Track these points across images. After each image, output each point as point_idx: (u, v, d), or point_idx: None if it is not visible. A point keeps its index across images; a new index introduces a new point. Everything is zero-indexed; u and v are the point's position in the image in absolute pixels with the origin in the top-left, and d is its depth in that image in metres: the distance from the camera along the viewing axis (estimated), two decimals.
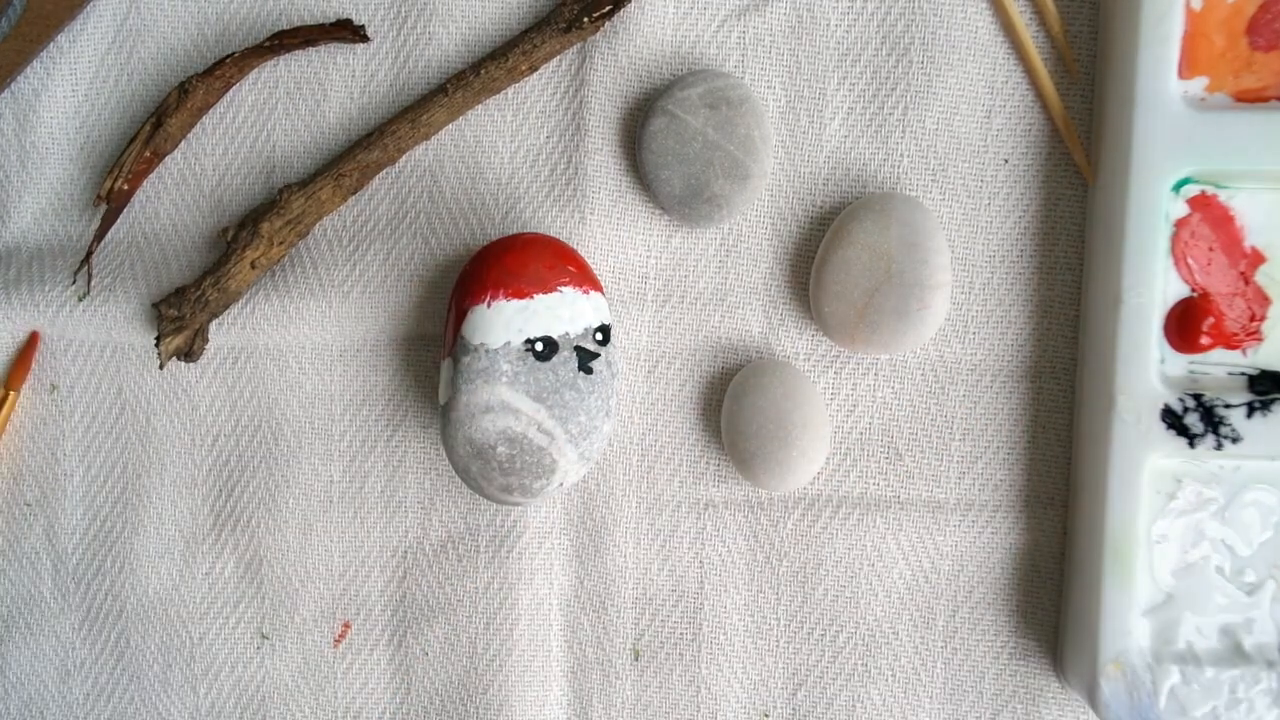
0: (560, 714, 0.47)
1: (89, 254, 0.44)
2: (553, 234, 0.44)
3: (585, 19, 0.42)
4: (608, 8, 0.42)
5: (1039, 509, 0.45)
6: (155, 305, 0.42)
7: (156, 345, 0.42)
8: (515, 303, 0.40)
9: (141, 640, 0.47)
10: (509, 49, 0.43)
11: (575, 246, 0.44)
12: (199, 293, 0.42)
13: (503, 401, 0.40)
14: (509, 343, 0.40)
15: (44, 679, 0.47)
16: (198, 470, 0.46)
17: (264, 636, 0.47)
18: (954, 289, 0.44)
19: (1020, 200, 0.44)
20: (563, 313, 0.40)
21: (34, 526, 0.47)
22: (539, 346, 0.40)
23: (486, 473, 0.40)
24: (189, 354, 0.42)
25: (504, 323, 0.40)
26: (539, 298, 0.40)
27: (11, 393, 0.46)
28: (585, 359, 0.40)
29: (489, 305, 0.40)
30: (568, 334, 0.40)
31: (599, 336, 0.41)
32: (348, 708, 0.47)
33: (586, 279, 0.41)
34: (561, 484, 0.41)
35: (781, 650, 0.46)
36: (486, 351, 0.40)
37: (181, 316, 0.42)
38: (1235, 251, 0.42)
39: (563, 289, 0.40)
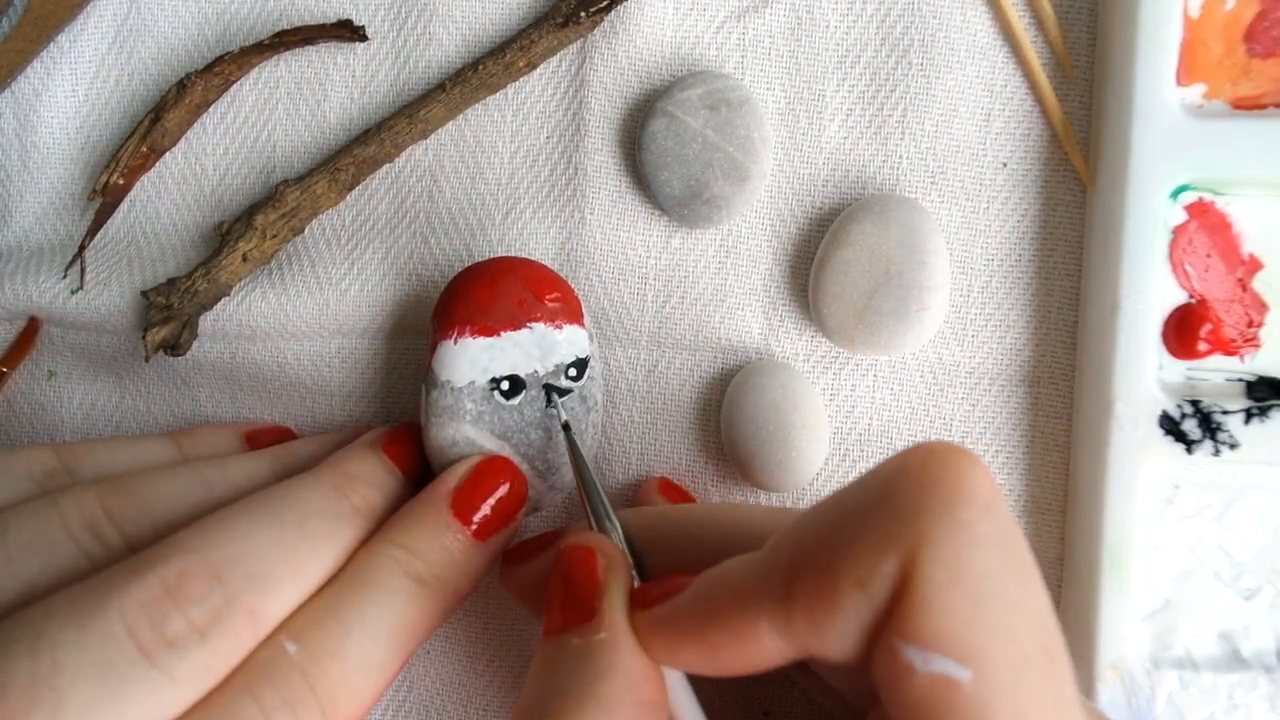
0: None
1: (82, 248, 0.44)
2: (552, 234, 0.45)
3: (583, 14, 0.43)
4: (605, 3, 0.43)
5: (1037, 514, 0.45)
6: (144, 293, 0.42)
7: (142, 336, 0.42)
8: (482, 340, 0.39)
9: None
10: (506, 45, 0.43)
11: (574, 247, 0.44)
12: (189, 283, 0.42)
13: (467, 438, 0.39)
14: (474, 381, 0.39)
15: None
16: None
17: None
18: (953, 292, 0.44)
19: (1019, 204, 0.44)
20: (532, 350, 0.39)
21: None
22: (504, 386, 0.39)
23: None
24: (175, 347, 0.42)
25: (469, 361, 0.39)
26: (507, 335, 0.39)
27: (4, 370, 0.46)
28: (553, 397, 0.40)
29: (455, 342, 0.39)
30: (536, 372, 0.40)
31: (572, 372, 0.40)
32: None
33: (563, 313, 0.40)
34: (538, 509, 0.41)
35: None
36: (452, 389, 0.39)
37: (170, 306, 0.42)
38: (1233, 258, 0.42)
39: (533, 325, 0.39)
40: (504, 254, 0.45)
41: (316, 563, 0.34)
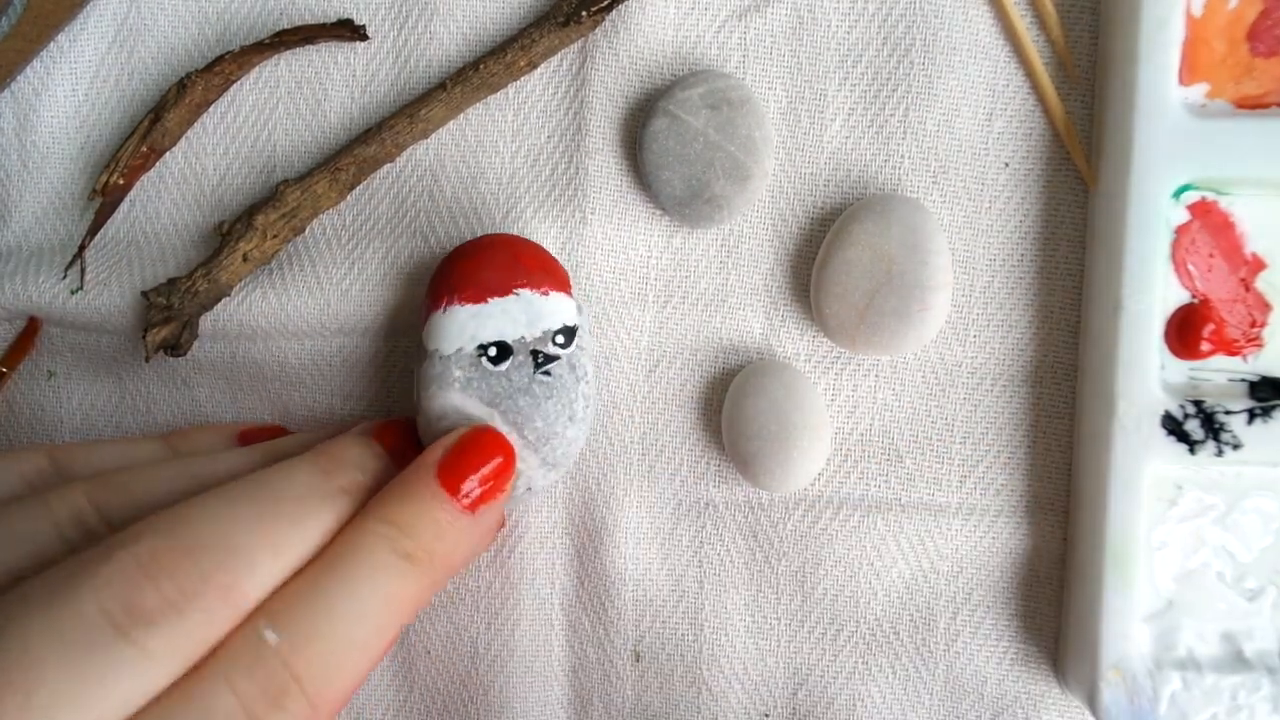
0: (561, 714, 0.47)
1: (82, 248, 0.44)
2: (553, 234, 0.45)
3: (584, 13, 0.42)
4: (606, 2, 0.42)
5: (1039, 514, 0.45)
6: (144, 294, 0.42)
7: (143, 336, 0.42)
8: (469, 308, 0.39)
9: None
10: (508, 45, 0.43)
11: (575, 246, 0.44)
12: (190, 283, 0.42)
13: (455, 408, 0.39)
14: (461, 349, 0.39)
15: None
16: None
17: None
18: (954, 291, 0.44)
19: (1021, 204, 0.44)
20: (519, 316, 0.39)
21: None
22: (491, 351, 0.39)
23: None
24: (175, 347, 0.42)
25: (458, 328, 0.39)
26: (494, 301, 0.39)
27: (3, 370, 0.46)
28: (542, 362, 0.40)
29: (444, 311, 0.39)
30: (523, 338, 0.39)
31: (559, 339, 0.40)
32: (350, 704, 0.47)
33: (549, 280, 0.40)
34: (530, 488, 0.41)
35: (781, 650, 0.46)
36: (440, 358, 0.39)
37: (170, 306, 0.42)
38: (1236, 258, 0.42)
39: (520, 291, 0.40)
40: None
41: (297, 539, 0.33)
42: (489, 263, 0.40)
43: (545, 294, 0.40)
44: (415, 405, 0.40)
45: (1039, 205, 0.44)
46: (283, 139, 0.46)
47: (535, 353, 0.40)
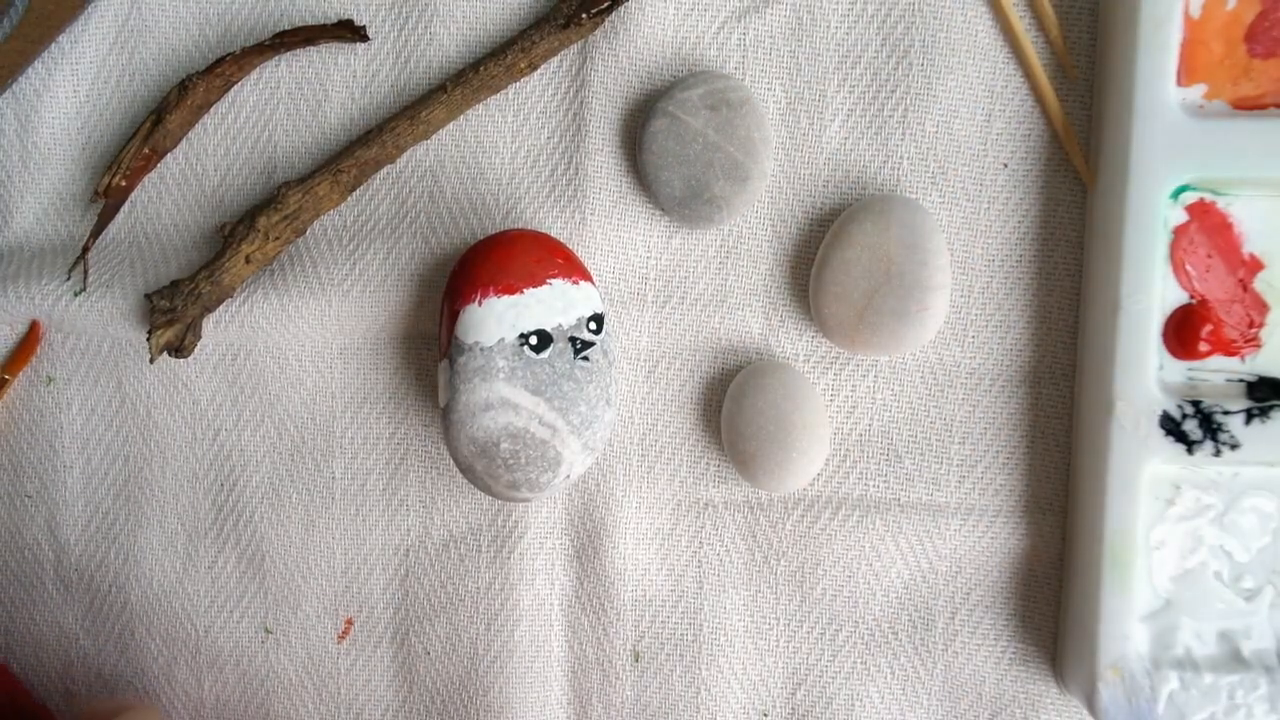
0: (560, 714, 0.47)
1: (85, 250, 0.44)
2: (553, 234, 0.45)
3: (584, 15, 0.43)
4: (606, 4, 0.43)
5: (1038, 514, 0.45)
6: (148, 296, 0.42)
7: (148, 338, 0.42)
8: (506, 298, 0.40)
9: (145, 632, 0.47)
10: (508, 46, 0.43)
11: (575, 247, 0.44)
12: (192, 286, 0.43)
13: (501, 398, 0.40)
14: (503, 339, 0.40)
15: (47, 672, 0.48)
16: (199, 464, 0.47)
17: (268, 631, 0.47)
18: (953, 292, 0.44)
19: (1019, 204, 0.44)
20: (554, 304, 0.40)
21: (35, 518, 0.47)
22: (533, 340, 0.40)
23: (492, 470, 0.40)
24: (179, 349, 0.43)
25: (496, 319, 0.40)
26: (529, 292, 0.40)
27: (6, 377, 0.46)
28: (580, 348, 0.41)
29: (480, 304, 0.40)
30: (561, 325, 0.40)
31: (592, 325, 0.41)
32: (350, 704, 0.47)
33: (575, 270, 0.41)
34: (568, 476, 0.41)
35: (780, 650, 0.46)
36: (481, 349, 0.40)
37: (173, 309, 0.42)
38: (1233, 258, 0.42)
39: (552, 281, 0.41)
40: None
41: None
42: (521, 254, 0.41)
43: (576, 283, 0.41)
44: (442, 406, 0.40)
45: (1037, 206, 0.44)
46: (283, 140, 0.46)
47: (573, 339, 0.41)
